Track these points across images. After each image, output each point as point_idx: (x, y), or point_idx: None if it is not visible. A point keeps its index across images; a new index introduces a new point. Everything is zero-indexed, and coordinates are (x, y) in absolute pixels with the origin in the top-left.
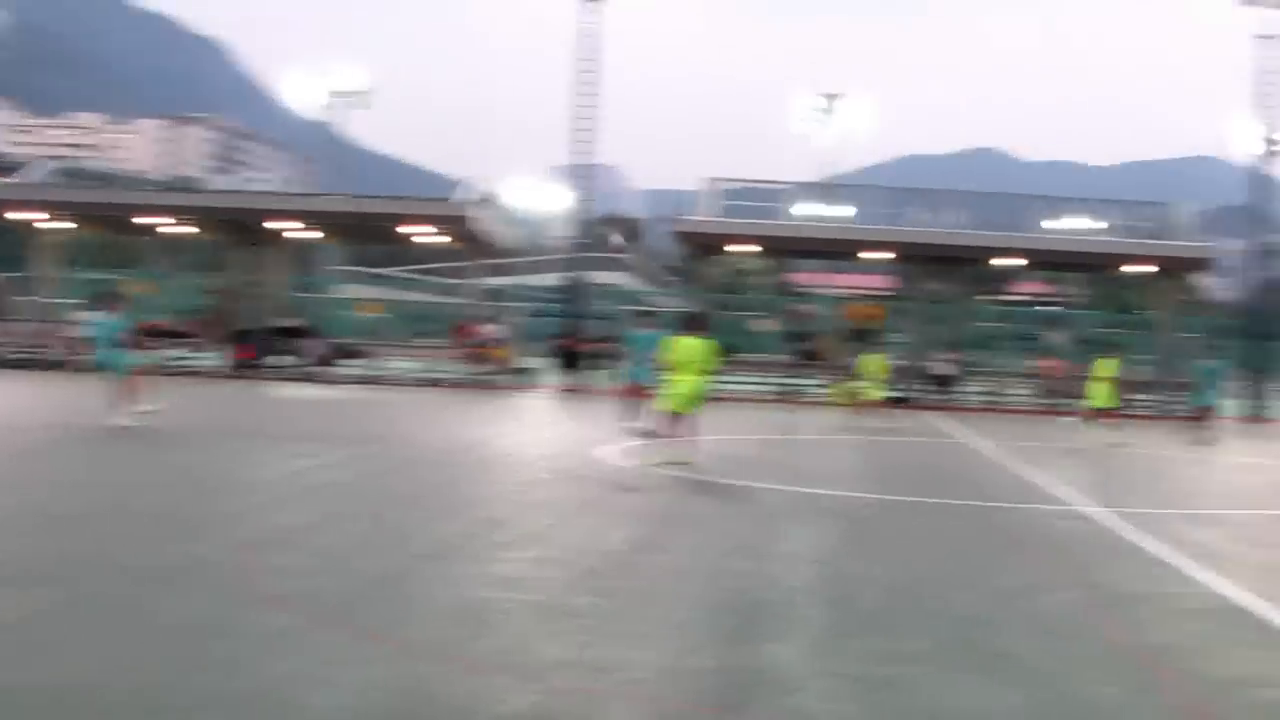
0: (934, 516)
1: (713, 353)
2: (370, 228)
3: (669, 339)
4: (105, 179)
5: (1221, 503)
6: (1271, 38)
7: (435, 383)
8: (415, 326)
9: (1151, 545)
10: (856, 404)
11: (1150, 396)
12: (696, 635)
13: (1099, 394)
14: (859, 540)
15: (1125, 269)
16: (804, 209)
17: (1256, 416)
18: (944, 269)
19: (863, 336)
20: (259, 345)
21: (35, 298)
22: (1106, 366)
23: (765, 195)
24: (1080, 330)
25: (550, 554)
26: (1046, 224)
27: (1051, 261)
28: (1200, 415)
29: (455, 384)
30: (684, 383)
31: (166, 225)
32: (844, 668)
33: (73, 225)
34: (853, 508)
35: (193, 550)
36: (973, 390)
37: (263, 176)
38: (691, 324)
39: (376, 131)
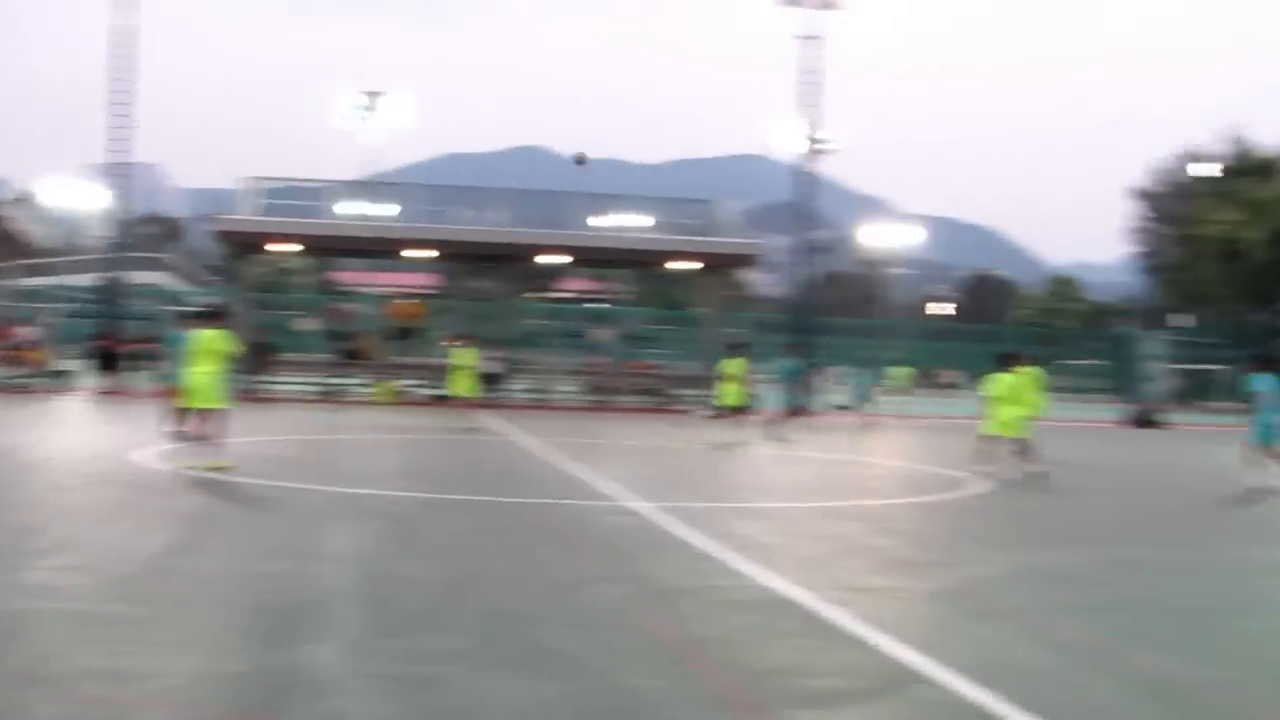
0: (481, 514)
1: (229, 343)
2: None
3: (187, 332)
4: None
5: (768, 496)
6: (813, 38)
7: None
8: None
9: (698, 539)
10: (453, 400)
11: (697, 391)
12: (233, 639)
13: (729, 392)
14: (404, 539)
15: (672, 265)
16: (347, 207)
17: (803, 409)
18: (489, 267)
19: (406, 335)
20: None
21: None
22: (733, 364)
23: (308, 194)
24: (627, 327)
25: (83, 561)
26: (593, 221)
27: (598, 258)
28: (788, 411)
29: None
30: (201, 374)
31: None
32: (384, 668)
33: None
34: (398, 507)
35: None
36: (520, 388)
37: None
38: (207, 316)
39: None
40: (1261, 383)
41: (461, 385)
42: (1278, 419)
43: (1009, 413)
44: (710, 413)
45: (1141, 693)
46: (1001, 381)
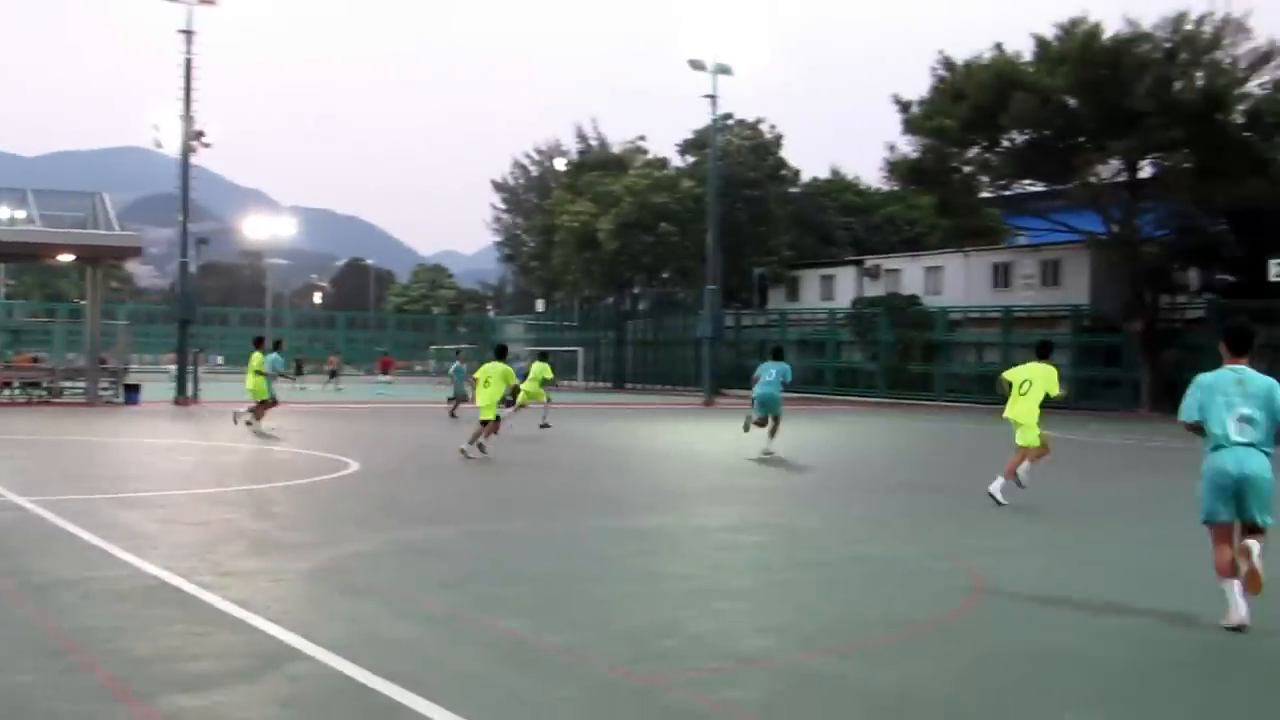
0: None
1: None
2: None
3: None
4: None
5: (152, 485)
6: (192, 33)
7: None
8: None
9: (82, 531)
10: None
11: (83, 384)
12: None
13: (257, 388)
14: None
15: (52, 258)
16: None
17: (186, 399)
18: None
19: None
20: None
21: None
22: (255, 359)
23: None
24: (8, 320)
25: None
26: None
27: None
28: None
29: None
30: None
31: None
32: None
33: None
34: None
35: None
36: None
37: None
38: None
39: None
40: (765, 367)
41: None
42: (770, 392)
43: (489, 397)
44: (249, 412)
45: (498, 657)
46: (488, 369)
